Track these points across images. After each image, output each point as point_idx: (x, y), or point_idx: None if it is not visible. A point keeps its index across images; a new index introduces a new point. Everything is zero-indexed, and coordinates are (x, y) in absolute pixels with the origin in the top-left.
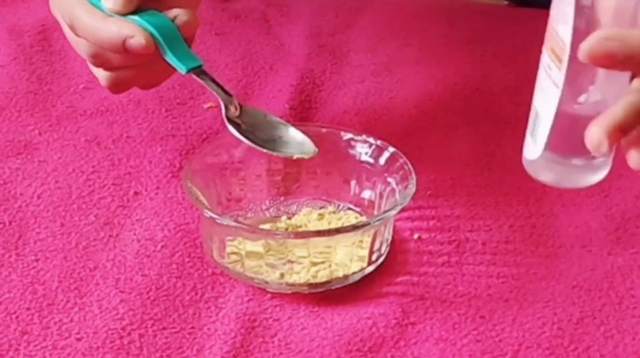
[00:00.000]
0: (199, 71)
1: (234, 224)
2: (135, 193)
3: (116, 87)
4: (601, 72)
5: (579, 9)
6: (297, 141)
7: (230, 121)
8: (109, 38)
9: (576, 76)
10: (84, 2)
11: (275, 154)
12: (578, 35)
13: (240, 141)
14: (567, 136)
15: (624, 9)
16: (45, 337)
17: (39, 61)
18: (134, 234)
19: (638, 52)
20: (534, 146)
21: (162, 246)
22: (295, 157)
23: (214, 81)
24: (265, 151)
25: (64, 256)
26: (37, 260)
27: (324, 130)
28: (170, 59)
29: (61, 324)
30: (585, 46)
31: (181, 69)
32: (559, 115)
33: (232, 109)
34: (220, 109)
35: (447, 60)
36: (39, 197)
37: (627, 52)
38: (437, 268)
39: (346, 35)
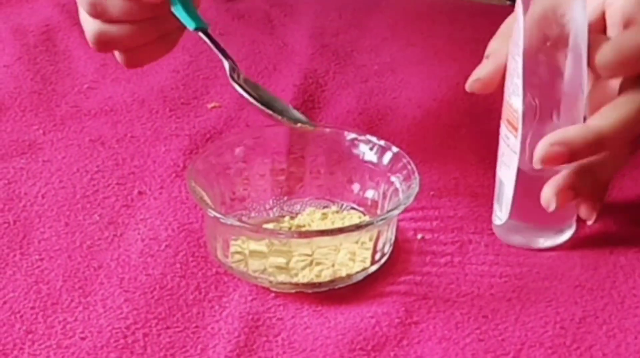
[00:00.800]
0: (205, 32)
1: (237, 223)
2: (139, 193)
3: (103, 44)
4: None
5: (527, 81)
6: (297, 116)
7: (235, 82)
8: None
9: (532, 142)
10: None
11: (279, 118)
12: (528, 104)
13: (248, 103)
14: (530, 201)
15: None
16: (50, 336)
17: (43, 61)
18: (138, 233)
19: (580, 150)
20: (500, 213)
21: (166, 246)
22: (298, 126)
23: (218, 45)
24: (270, 112)
25: (68, 255)
26: (41, 259)
27: (327, 130)
28: (180, 13)
29: (65, 323)
30: (536, 155)
31: (189, 25)
32: (519, 181)
33: (234, 74)
34: (224, 109)
35: (451, 60)
36: (43, 197)
37: (572, 151)
38: (440, 268)
39: (350, 35)
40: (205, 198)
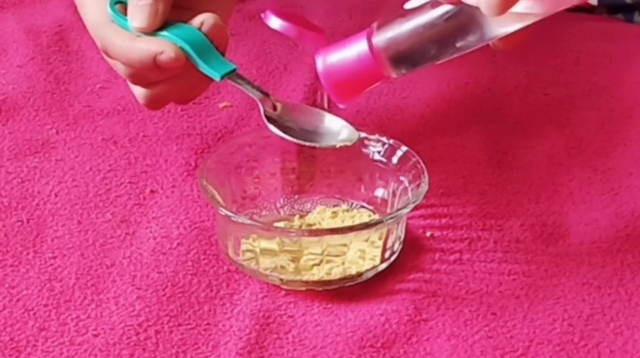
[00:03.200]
0: (233, 75)
1: (248, 222)
2: (152, 191)
3: (153, 103)
4: None
5: None
6: (335, 129)
7: (269, 119)
8: (139, 57)
9: None
10: (112, 25)
11: (318, 146)
12: None
13: (279, 137)
14: None
15: None
16: (63, 333)
17: (56, 61)
18: (150, 232)
19: None
20: None
21: (177, 244)
22: (338, 146)
23: (249, 82)
24: (307, 144)
25: (81, 253)
26: (54, 258)
27: None
28: (203, 68)
29: (78, 320)
30: None
31: (215, 76)
32: None
33: (269, 108)
34: (235, 109)
35: (459, 60)
36: (56, 195)
37: None
38: (449, 265)
39: None
40: (217, 196)
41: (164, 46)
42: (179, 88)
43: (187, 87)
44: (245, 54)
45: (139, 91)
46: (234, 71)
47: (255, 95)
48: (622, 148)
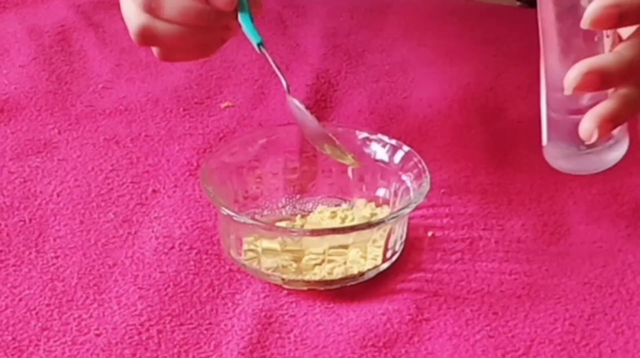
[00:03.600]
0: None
1: (250, 221)
2: (154, 191)
3: (146, 38)
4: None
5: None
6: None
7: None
8: None
9: (565, 60)
10: None
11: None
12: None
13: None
14: (564, 124)
15: None
16: (65, 333)
17: (58, 61)
18: (152, 231)
19: (613, 78)
20: (544, 134)
21: (179, 244)
22: (348, 163)
23: (276, 62)
24: (326, 132)
25: (83, 253)
26: (56, 257)
27: (339, 129)
28: (246, 23)
29: (80, 320)
30: (568, 82)
31: (254, 38)
32: (549, 95)
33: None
34: (237, 109)
35: (461, 60)
36: (58, 195)
37: (605, 78)
38: (451, 265)
39: (361, 35)
40: (219, 196)
41: None
42: (189, 38)
43: (196, 42)
44: (248, 53)
45: (139, 19)
46: (262, 42)
47: (281, 74)
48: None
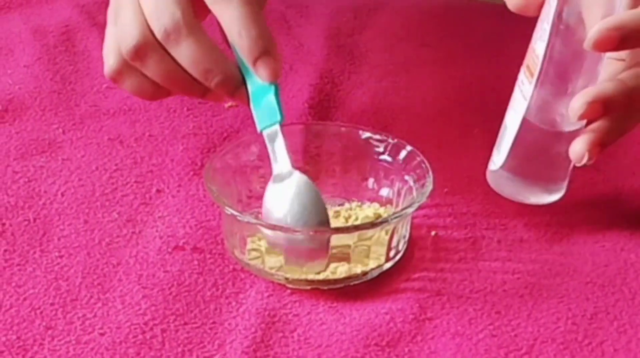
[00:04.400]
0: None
1: (254, 221)
2: (158, 191)
3: (117, 81)
4: (570, 90)
5: (556, 27)
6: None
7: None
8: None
9: (545, 91)
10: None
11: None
12: (551, 50)
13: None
14: (527, 152)
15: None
16: (69, 332)
17: (62, 61)
18: (156, 231)
19: (616, 106)
20: (496, 158)
21: (183, 243)
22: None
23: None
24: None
25: (87, 252)
26: (61, 256)
27: (343, 129)
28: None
29: (85, 319)
30: (574, 111)
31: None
32: (522, 129)
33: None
34: (241, 108)
35: (463, 60)
36: (62, 195)
37: (608, 107)
38: (454, 264)
39: (364, 35)
40: (223, 196)
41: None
42: (162, 94)
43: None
44: None
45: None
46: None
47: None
48: (626, 147)
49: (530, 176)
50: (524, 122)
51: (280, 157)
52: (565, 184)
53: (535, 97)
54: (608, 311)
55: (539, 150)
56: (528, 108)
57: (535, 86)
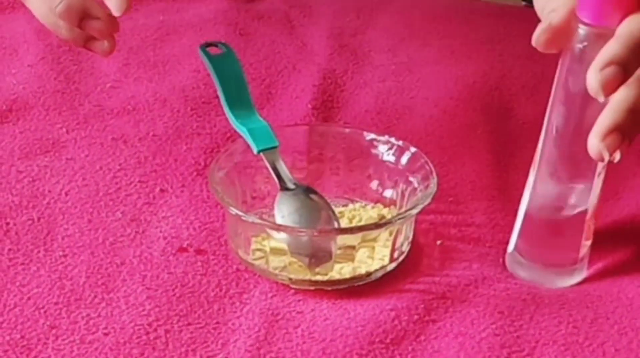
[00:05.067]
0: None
1: (259, 221)
2: (161, 191)
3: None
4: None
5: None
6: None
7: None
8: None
9: (542, 183)
10: None
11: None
12: (543, 148)
13: None
14: (534, 241)
15: None
16: (73, 332)
17: (66, 61)
18: (160, 231)
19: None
20: (511, 241)
21: (187, 243)
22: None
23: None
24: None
25: (91, 252)
26: (65, 256)
27: (347, 130)
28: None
29: (89, 319)
30: (592, 83)
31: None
32: (527, 215)
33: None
34: None
35: (467, 60)
36: (66, 194)
37: (626, 68)
38: (459, 271)
39: (367, 35)
40: (227, 196)
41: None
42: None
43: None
44: (254, 53)
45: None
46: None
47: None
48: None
49: (538, 261)
50: (528, 210)
51: (284, 176)
52: (578, 267)
53: (537, 188)
54: (608, 317)
55: (543, 236)
56: (530, 197)
57: (535, 178)
